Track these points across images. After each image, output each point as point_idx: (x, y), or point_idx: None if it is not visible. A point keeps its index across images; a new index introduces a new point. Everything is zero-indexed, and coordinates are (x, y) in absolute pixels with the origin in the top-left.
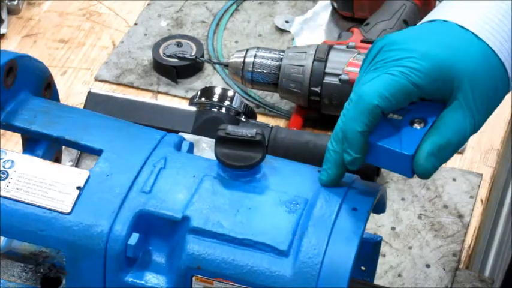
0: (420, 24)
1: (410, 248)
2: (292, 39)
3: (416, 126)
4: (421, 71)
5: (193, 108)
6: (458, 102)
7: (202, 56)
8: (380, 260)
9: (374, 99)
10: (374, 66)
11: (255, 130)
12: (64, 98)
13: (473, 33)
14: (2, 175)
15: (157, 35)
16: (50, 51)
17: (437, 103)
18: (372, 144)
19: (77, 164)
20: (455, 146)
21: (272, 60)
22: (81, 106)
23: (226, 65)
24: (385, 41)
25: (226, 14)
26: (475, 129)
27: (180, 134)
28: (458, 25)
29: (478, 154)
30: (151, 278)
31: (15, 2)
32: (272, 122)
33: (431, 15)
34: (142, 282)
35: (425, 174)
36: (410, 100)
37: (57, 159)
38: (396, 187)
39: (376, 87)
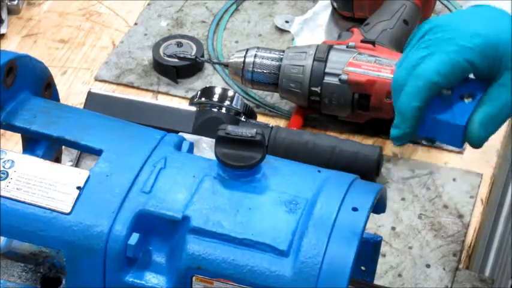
0: (467, 8)
1: (410, 248)
2: (292, 39)
3: (466, 100)
4: (474, 48)
5: (193, 108)
6: (505, 78)
7: (202, 56)
8: (380, 260)
9: (433, 76)
10: (424, 44)
11: (255, 130)
12: (64, 98)
13: None
14: (2, 175)
15: (157, 35)
16: (50, 51)
17: (483, 80)
18: (425, 117)
19: (77, 164)
20: (504, 116)
21: (272, 60)
22: (81, 106)
23: (226, 65)
24: (436, 22)
25: (226, 14)
26: None
27: (180, 134)
28: (503, 10)
29: (478, 154)
30: (151, 278)
31: (15, 2)
32: (272, 122)
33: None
34: (143, 282)
35: (479, 143)
36: (464, 76)
37: (57, 159)
38: (396, 187)
39: (434, 65)
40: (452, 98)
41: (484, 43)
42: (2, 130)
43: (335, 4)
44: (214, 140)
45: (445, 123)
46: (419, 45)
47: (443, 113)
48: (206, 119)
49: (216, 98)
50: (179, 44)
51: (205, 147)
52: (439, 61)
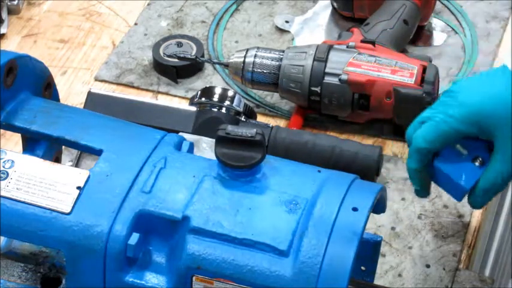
0: (485, 71)
1: (410, 248)
2: (292, 39)
3: (477, 164)
4: (458, 118)
5: (193, 108)
6: (498, 148)
7: (202, 56)
8: (380, 260)
9: (421, 143)
10: (435, 104)
11: (255, 130)
12: (64, 98)
13: None
14: (2, 175)
15: (157, 35)
16: (50, 51)
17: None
18: (438, 168)
19: (77, 164)
20: (500, 186)
21: (272, 60)
22: (81, 106)
23: (226, 65)
24: (451, 87)
25: (226, 14)
26: None
27: (180, 134)
28: (507, 73)
29: None
30: (151, 278)
31: (15, 2)
32: (272, 122)
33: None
34: (143, 282)
35: (479, 207)
36: (454, 140)
37: (57, 159)
38: (396, 187)
39: (423, 133)
40: (466, 157)
41: (468, 112)
42: (2, 130)
43: (335, 4)
44: (214, 140)
45: (452, 180)
46: (433, 104)
47: (454, 170)
48: (206, 119)
49: (216, 98)
50: (179, 44)
51: (205, 147)
52: (428, 129)
